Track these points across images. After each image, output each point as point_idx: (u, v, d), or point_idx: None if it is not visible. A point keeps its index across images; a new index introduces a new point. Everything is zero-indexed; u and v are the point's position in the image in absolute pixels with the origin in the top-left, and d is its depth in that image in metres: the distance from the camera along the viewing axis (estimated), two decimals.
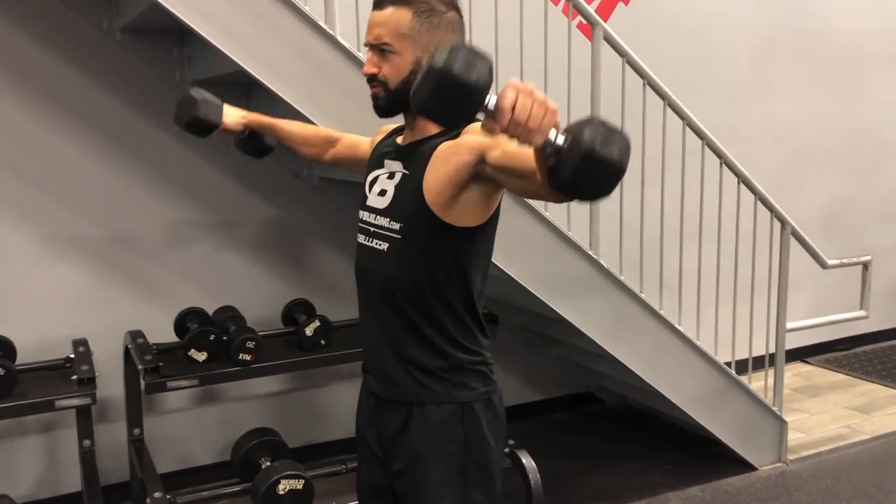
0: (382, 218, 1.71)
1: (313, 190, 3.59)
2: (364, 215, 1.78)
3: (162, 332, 3.17)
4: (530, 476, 2.95)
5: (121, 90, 3.23)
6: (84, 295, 3.26)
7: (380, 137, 1.91)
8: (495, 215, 1.71)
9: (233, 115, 2.15)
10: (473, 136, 1.58)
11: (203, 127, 2.08)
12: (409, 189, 1.65)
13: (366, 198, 1.79)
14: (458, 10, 1.70)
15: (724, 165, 3.46)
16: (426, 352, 1.70)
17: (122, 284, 3.32)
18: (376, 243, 1.72)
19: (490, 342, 1.80)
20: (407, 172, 1.68)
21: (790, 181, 4.86)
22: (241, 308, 3.32)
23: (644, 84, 3.17)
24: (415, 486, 1.71)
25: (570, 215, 3.11)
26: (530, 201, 2.95)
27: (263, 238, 3.58)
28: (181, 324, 3.20)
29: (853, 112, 5.06)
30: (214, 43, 2.42)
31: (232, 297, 3.41)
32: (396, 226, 1.68)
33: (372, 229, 1.74)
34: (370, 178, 1.80)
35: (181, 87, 3.24)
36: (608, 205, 3.18)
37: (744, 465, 3.70)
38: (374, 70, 1.66)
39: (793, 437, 3.94)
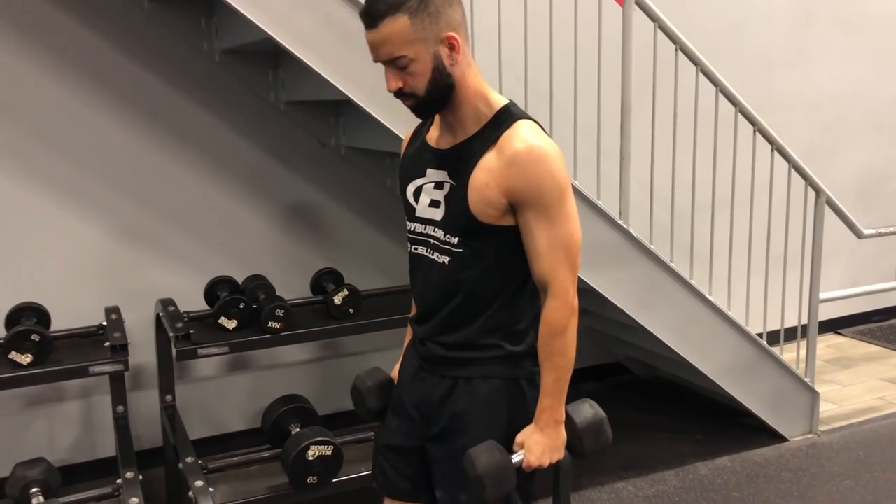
0: (439, 230, 1.71)
1: (340, 159, 3.59)
2: (417, 227, 1.76)
3: (192, 301, 3.20)
4: None
5: (149, 60, 3.23)
6: (116, 263, 3.29)
7: (407, 142, 1.88)
8: None
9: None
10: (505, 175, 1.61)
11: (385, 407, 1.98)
12: (458, 203, 1.66)
13: (413, 209, 1.76)
14: None
15: (757, 133, 3.40)
16: (480, 335, 1.73)
17: (153, 253, 3.35)
18: (437, 256, 1.73)
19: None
20: (454, 183, 1.67)
21: (825, 149, 4.76)
22: (270, 277, 3.34)
23: (676, 50, 3.11)
24: (456, 451, 1.72)
25: (600, 184, 3.08)
26: None
27: (292, 208, 3.59)
28: (211, 292, 3.23)
29: (891, 79, 4.93)
30: (241, 11, 2.40)
31: (261, 266, 3.43)
32: (454, 240, 1.69)
33: (432, 241, 1.73)
34: (412, 187, 1.77)
35: (209, 56, 3.24)
36: (638, 173, 3.18)
37: (774, 437, 3.68)
38: (398, 85, 1.61)
39: (825, 408, 3.90)
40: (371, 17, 1.56)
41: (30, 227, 3.15)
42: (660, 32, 3.07)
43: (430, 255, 1.74)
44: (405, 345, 1.97)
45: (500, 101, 1.69)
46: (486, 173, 1.62)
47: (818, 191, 3.61)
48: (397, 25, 1.54)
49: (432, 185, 1.72)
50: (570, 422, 1.73)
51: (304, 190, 3.59)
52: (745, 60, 4.29)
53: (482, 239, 1.67)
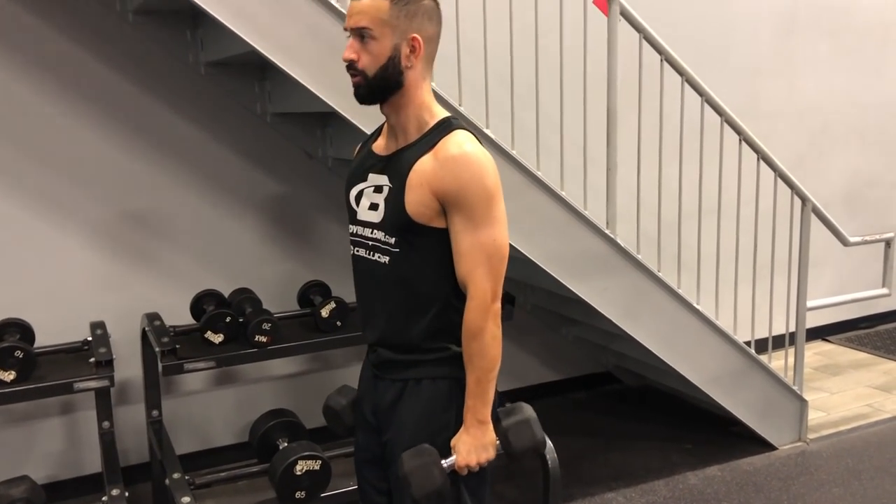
0: (378, 232, 1.78)
1: (328, 171, 3.58)
2: (358, 230, 1.84)
3: (178, 315, 3.18)
4: (548, 456, 2.94)
5: (134, 73, 3.22)
6: (101, 278, 3.27)
7: (355, 153, 1.95)
8: None
9: None
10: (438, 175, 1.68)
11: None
12: (396, 205, 1.73)
13: (355, 212, 1.85)
14: None
15: (743, 142, 3.41)
16: (426, 337, 1.78)
17: (138, 267, 3.33)
18: (378, 257, 1.80)
19: None
20: (391, 186, 1.75)
21: (811, 158, 4.79)
22: (256, 290, 3.32)
23: (661, 60, 3.13)
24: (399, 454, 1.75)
25: (587, 193, 3.08)
26: (545, 179, 2.92)
27: (279, 220, 3.57)
28: (197, 306, 3.21)
29: (877, 87, 4.97)
30: (226, 24, 2.40)
31: (248, 279, 3.42)
32: (392, 240, 1.76)
33: (371, 243, 1.80)
34: (354, 192, 1.85)
35: (194, 68, 3.23)
36: (625, 182, 3.18)
37: (764, 445, 3.68)
38: (353, 56, 1.72)
39: (813, 416, 3.91)
40: None
41: (13, 242, 3.13)
42: (645, 42, 3.08)
43: (370, 257, 1.81)
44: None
45: (442, 113, 1.79)
46: (421, 175, 1.70)
47: (804, 199, 3.62)
48: (378, 4, 1.68)
49: (372, 188, 1.80)
50: (498, 423, 1.76)
51: (291, 202, 3.58)
52: (731, 69, 4.32)
53: (418, 240, 1.74)
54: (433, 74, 1.85)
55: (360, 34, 1.70)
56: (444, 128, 1.74)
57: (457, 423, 1.78)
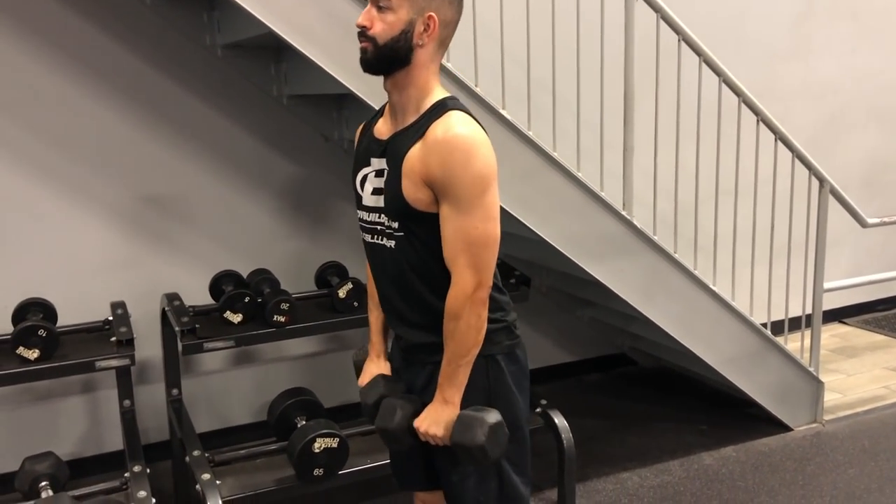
0: (383, 216, 1.78)
1: (343, 153, 3.59)
2: (364, 215, 1.85)
3: (198, 295, 3.21)
4: (563, 436, 2.96)
5: (152, 56, 3.24)
6: (122, 259, 3.31)
7: (358, 136, 1.94)
8: None
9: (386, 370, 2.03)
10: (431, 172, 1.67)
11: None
12: (394, 189, 1.73)
13: (360, 197, 1.84)
14: None
15: (761, 123, 3.39)
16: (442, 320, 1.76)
17: (158, 248, 3.37)
18: (385, 241, 1.79)
19: (508, 300, 1.88)
20: (389, 170, 1.74)
21: (829, 139, 4.75)
22: (274, 271, 3.35)
23: (679, 40, 3.11)
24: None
25: (603, 175, 3.08)
26: (561, 160, 2.92)
27: (296, 201, 3.59)
28: (216, 286, 3.24)
29: (895, 68, 4.91)
30: (243, 5, 2.41)
31: (266, 260, 3.44)
32: (395, 224, 1.76)
33: (379, 227, 1.81)
34: (359, 176, 1.85)
35: (211, 50, 3.24)
36: (642, 163, 3.17)
37: (779, 426, 3.69)
38: (366, 23, 1.71)
39: (829, 397, 3.91)
40: None
41: (35, 224, 3.17)
42: (662, 23, 3.06)
43: (379, 241, 1.82)
44: (374, 336, 2.02)
45: (441, 94, 1.76)
46: (414, 161, 1.69)
47: (822, 180, 3.60)
48: None
49: (373, 173, 1.80)
50: (463, 410, 1.75)
51: (307, 184, 3.60)
52: (748, 50, 4.28)
53: (419, 225, 1.73)
54: (447, 56, 1.83)
55: (377, 3, 1.69)
56: (438, 110, 1.71)
57: (489, 400, 1.79)
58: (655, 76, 3.12)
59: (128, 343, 2.75)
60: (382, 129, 1.82)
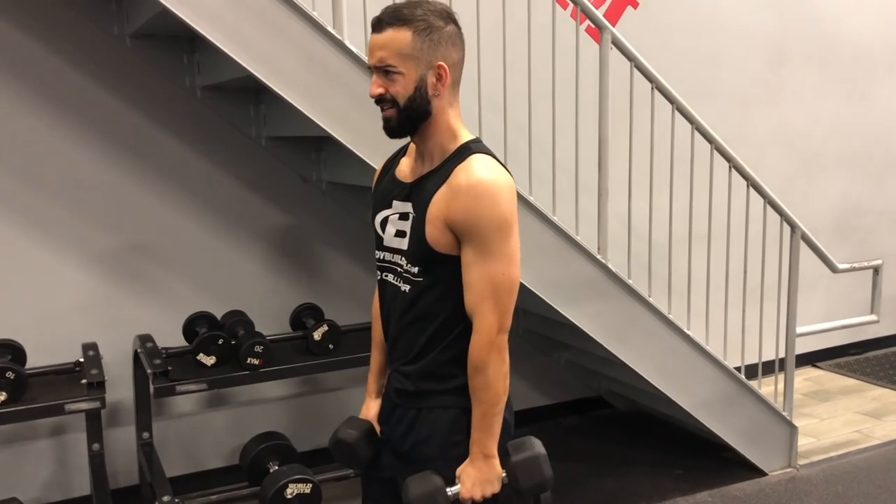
0: (404, 260, 1.78)
1: (322, 194, 3.60)
2: (385, 255, 1.84)
3: (171, 337, 3.18)
4: None
5: (131, 96, 3.24)
6: (94, 299, 3.27)
7: (378, 174, 1.94)
8: None
9: (375, 410, 2.03)
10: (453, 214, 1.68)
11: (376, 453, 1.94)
12: (418, 234, 1.73)
13: (381, 238, 1.84)
14: (455, 22, 1.74)
15: (732, 169, 3.45)
16: (442, 365, 1.79)
17: (131, 289, 3.33)
18: (401, 284, 1.79)
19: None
20: (415, 214, 1.75)
21: (801, 185, 4.84)
22: (249, 312, 3.33)
23: (652, 88, 3.17)
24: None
25: (578, 219, 3.11)
26: (537, 204, 2.95)
27: (272, 242, 3.59)
28: (190, 328, 3.21)
29: (864, 116, 5.03)
30: (223, 48, 2.43)
31: (240, 302, 3.42)
32: (415, 269, 1.75)
33: (397, 269, 1.80)
34: (380, 218, 1.84)
35: (190, 92, 3.26)
36: (617, 208, 3.21)
37: (754, 471, 3.68)
38: (380, 91, 1.71)
39: (803, 442, 3.92)
40: (381, 23, 1.69)
41: (5, 263, 3.13)
42: (636, 71, 3.12)
43: (395, 283, 1.81)
44: (370, 376, 2.01)
45: (466, 137, 1.77)
46: (438, 205, 1.70)
47: (793, 226, 3.66)
48: (400, 37, 1.66)
49: (397, 215, 1.80)
50: (506, 457, 1.74)
51: (284, 225, 3.60)
52: (721, 98, 4.37)
53: (440, 269, 1.73)
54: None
55: (384, 71, 1.69)
56: (463, 153, 1.73)
57: (466, 452, 1.77)
58: (630, 123, 3.18)
59: (98, 385, 2.71)
60: (406, 171, 1.83)
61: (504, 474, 1.75)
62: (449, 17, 1.72)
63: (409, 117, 1.71)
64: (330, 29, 2.53)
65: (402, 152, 1.89)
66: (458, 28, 1.75)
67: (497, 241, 1.67)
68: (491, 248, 1.67)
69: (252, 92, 3.32)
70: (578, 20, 3.02)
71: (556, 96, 3.01)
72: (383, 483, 1.94)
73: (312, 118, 2.56)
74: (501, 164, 1.75)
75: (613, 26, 3.06)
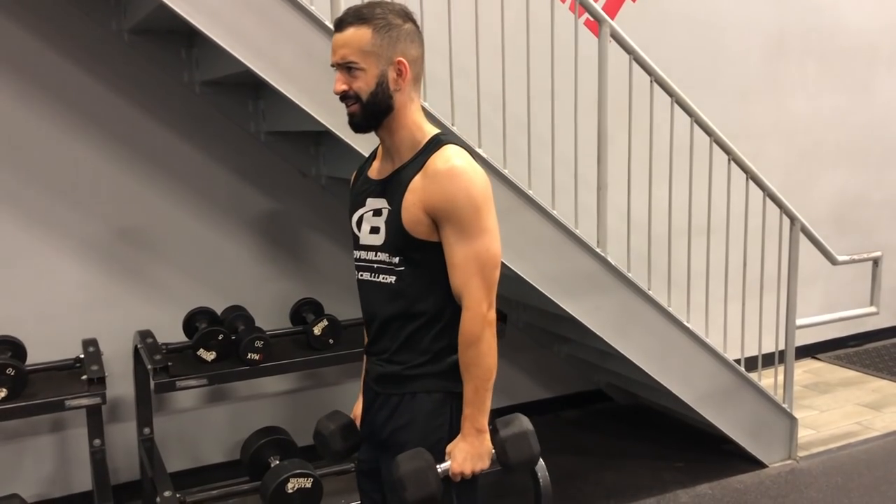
0: (382, 254, 1.83)
1: (321, 189, 3.60)
2: (361, 254, 1.89)
3: (171, 332, 3.18)
4: (539, 474, 2.95)
5: (129, 91, 3.24)
6: (94, 295, 3.27)
7: (353, 180, 2.00)
8: None
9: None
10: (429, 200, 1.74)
11: (349, 447, 2.01)
12: (395, 224, 1.79)
13: (358, 238, 1.89)
14: (414, 21, 1.82)
15: (732, 162, 3.45)
16: (427, 350, 1.83)
17: (131, 285, 3.33)
18: (383, 278, 1.83)
19: None
20: (390, 208, 1.80)
21: (800, 178, 4.83)
22: (249, 308, 3.33)
23: (651, 81, 3.16)
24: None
25: (578, 213, 3.11)
26: (536, 198, 2.94)
27: (272, 237, 3.58)
28: (190, 324, 3.21)
29: (864, 108, 5.03)
30: (221, 44, 2.42)
31: (240, 297, 3.42)
32: (396, 259, 1.81)
33: (376, 265, 1.85)
34: (355, 218, 1.90)
35: (189, 87, 3.25)
36: (616, 202, 3.21)
37: (754, 463, 3.69)
38: (344, 87, 1.78)
39: (803, 434, 3.93)
40: (342, 23, 1.76)
41: (6, 260, 3.13)
42: (635, 64, 3.12)
43: (375, 279, 1.85)
44: (363, 376, 2.03)
45: (433, 130, 1.84)
46: (414, 193, 1.76)
47: (793, 219, 3.66)
48: (360, 34, 1.73)
49: (371, 212, 1.85)
50: (495, 433, 1.78)
51: (284, 220, 3.60)
52: (720, 90, 4.36)
53: (419, 255, 1.79)
54: (423, 94, 1.88)
55: (346, 68, 1.75)
56: (434, 145, 1.79)
57: (450, 435, 1.81)
58: (629, 116, 3.17)
59: (99, 381, 2.71)
60: (377, 169, 1.89)
61: (493, 450, 1.79)
62: (407, 15, 1.79)
63: (372, 112, 1.77)
64: (328, 23, 2.52)
65: (371, 157, 1.96)
66: (417, 26, 1.81)
67: (476, 219, 1.74)
68: (472, 227, 1.74)
69: (251, 87, 3.31)
70: (577, 13, 3.02)
71: (555, 90, 3.00)
72: (370, 476, 1.97)
73: (311, 112, 2.56)
74: (470, 153, 1.81)
75: (612, 19, 3.06)
